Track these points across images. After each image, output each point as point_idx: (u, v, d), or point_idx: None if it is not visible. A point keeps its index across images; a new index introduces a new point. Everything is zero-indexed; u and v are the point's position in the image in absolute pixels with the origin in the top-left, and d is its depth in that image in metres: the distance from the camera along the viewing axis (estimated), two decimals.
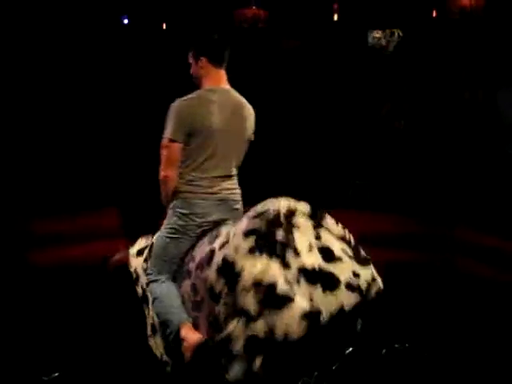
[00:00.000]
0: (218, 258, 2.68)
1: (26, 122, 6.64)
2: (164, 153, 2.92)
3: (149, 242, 3.20)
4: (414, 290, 4.56)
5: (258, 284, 2.53)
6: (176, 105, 2.94)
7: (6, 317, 3.93)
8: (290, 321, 2.50)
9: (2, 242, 5.20)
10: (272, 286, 2.53)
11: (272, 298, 2.52)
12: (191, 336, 2.76)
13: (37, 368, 3.21)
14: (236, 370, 2.52)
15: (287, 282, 2.54)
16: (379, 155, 6.81)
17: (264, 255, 2.58)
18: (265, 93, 6.92)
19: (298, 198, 2.87)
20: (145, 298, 3.10)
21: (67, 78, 6.87)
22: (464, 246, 5.23)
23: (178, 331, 2.80)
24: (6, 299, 4.21)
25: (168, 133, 2.92)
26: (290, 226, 2.66)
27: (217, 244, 2.76)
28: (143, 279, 3.10)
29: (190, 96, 2.98)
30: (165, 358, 2.97)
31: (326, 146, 7.00)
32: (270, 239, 2.62)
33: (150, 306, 3.02)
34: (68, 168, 6.68)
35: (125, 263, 3.31)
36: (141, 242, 3.31)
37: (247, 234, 2.65)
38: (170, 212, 2.98)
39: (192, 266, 2.84)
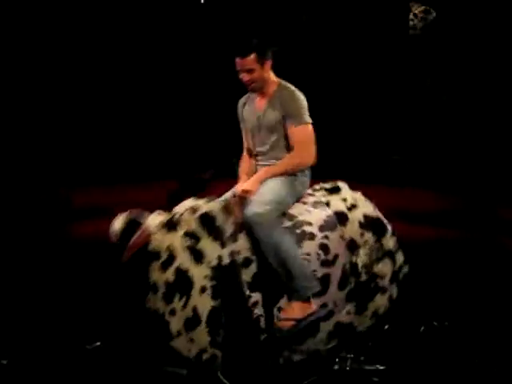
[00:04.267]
0: (355, 216, 3.06)
1: (70, 97, 6.73)
2: (312, 137, 3.02)
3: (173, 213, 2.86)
4: (455, 268, 4.50)
5: (394, 232, 3.14)
6: (298, 91, 3.03)
7: (47, 287, 4.01)
8: None
9: (44, 214, 5.31)
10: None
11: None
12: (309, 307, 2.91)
13: (80, 337, 3.26)
14: (382, 301, 3.06)
15: None
16: (420, 131, 6.70)
17: None
18: (306, 64, 6.87)
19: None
20: (180, 284, 2.71)
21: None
22: (507, 225, 5.15)
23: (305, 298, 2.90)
24: (48, 270, 4.29)
25: (308, 117, 3.02)
26: None
27: (338, 207, 3.06)
28: (183, 259, 2.76)
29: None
30: (209, 352, 2.77)
31: (365, 122, 6.91)
32: None
33: (195, 292, 2.73)
34: (114, 141, 6.77)
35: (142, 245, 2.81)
36: (159, 216, 2.88)
37: (350, 188, 3.19)
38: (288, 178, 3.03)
39: (312, 228, 2.96)
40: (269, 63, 3.00)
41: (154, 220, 2.84)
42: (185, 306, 2.71)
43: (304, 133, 2.99)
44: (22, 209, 5.36)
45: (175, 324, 2.71)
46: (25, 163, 6.22)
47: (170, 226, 2.79)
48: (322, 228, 2.98)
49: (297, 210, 3.02)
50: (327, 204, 3.08)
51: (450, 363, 3.19)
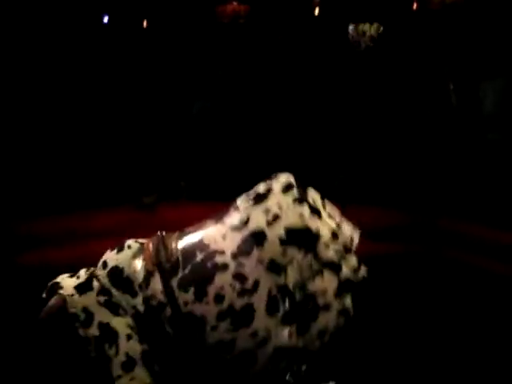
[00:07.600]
0: (274, 233, 2.75)
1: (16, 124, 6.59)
2: None
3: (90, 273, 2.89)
4: (401, 282, 4.59)
5: (335, 235, 2.80)
6: None
7: None
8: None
9: None
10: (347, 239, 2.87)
11: (347, 247, 2.84)
12: None
13: None
14: (328, 318, 2.77)
15: None
16: (361, 148, 6.82)
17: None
18: (248, 88, 6.91)
19: None
20: (106, 335, 2.77)
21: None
22: (449, 236, 5.27)
23: None
24: None
25: None
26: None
27: (257, 223, 2.78)
28: (101, 314, 2.80)
29: None
30: None
31: (310, 141, 7.00)
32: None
33: (122, 340, 2.76)
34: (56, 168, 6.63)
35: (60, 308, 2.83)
36: (79, 276, 2.91)
37: (285, 189, 2.83)
38: None
39: (224, 258, 2.75)
40: None
41: (69, 282, 2.87)
42: (117, 353, 2.76)
43: None
44: None
45: (115, 369, 2.75)
46: None
47: (83, 288, 2.84)
48: (235, 255, 2.76)
49: (212, 235, 2.82)
50: (246, 221, 2.81)
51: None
